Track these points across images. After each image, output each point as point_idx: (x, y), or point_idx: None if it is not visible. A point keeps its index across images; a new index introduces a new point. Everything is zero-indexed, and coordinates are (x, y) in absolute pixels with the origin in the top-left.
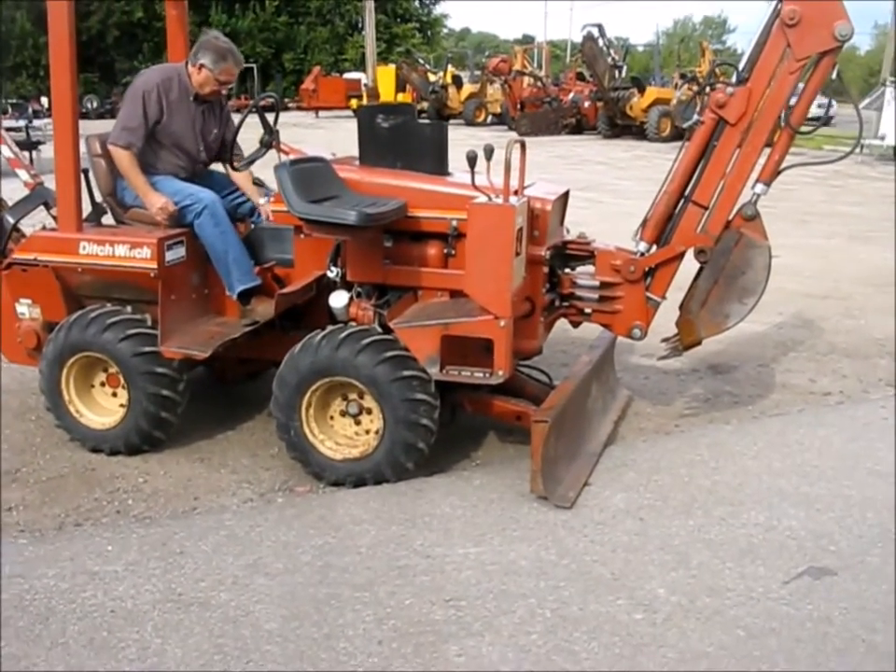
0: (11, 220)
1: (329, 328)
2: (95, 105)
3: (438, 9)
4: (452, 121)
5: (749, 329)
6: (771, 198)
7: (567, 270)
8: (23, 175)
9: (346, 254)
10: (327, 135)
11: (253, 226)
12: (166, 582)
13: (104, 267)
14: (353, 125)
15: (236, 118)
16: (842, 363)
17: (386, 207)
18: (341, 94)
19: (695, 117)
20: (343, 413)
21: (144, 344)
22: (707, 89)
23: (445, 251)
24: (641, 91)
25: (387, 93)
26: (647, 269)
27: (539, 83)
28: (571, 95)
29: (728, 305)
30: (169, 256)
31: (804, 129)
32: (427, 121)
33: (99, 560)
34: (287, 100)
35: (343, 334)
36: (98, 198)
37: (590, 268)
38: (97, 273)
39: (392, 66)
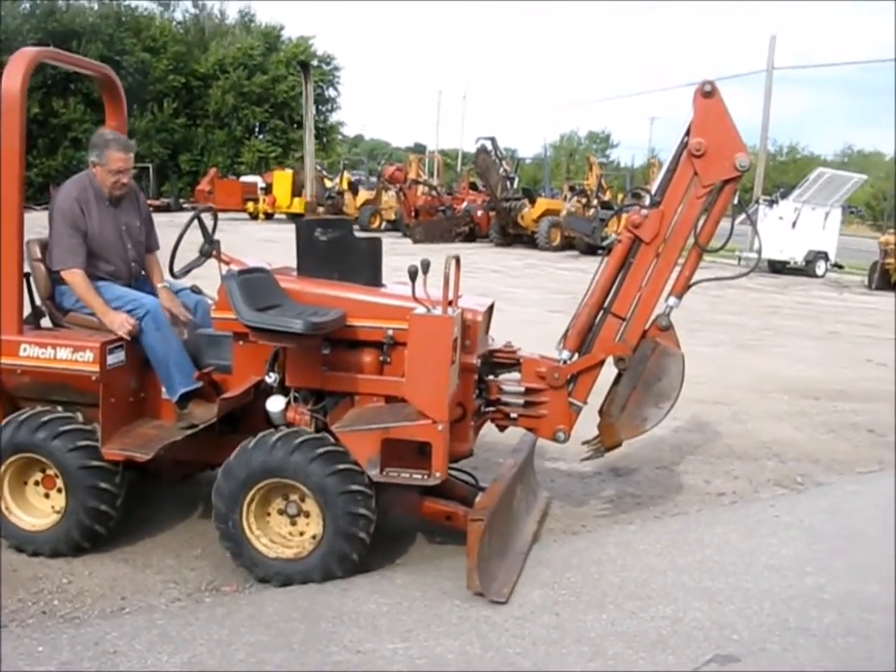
0: None
1: (284, 430)
2: None
3: (334, 117)
4: None
5: (648, 433)
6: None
7: (493, 377)
8: None
9: (286, 360)
10: (227, 238)
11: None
12: None
13: (44, 369)
14: (250, 228)
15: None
16: (733, 465)
17: (329, 317)
18: (237, 197)
19: (613, 236)
20: (281, 512)
21: (90, 457)
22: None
23: (381, 358)
24: (532, 201)
25: (284, 198)
26: (570, 376)
27: (433, 192)
28: (464, 204)
29: (646, 409)
30: (110, 359)
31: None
32: (362, 235)
33: (31, 661)
34: (182, 200)
35: (300, 439)
36: (37, 301)
37: (515, 375)
38: (37, 376)
39: (289, 171)
